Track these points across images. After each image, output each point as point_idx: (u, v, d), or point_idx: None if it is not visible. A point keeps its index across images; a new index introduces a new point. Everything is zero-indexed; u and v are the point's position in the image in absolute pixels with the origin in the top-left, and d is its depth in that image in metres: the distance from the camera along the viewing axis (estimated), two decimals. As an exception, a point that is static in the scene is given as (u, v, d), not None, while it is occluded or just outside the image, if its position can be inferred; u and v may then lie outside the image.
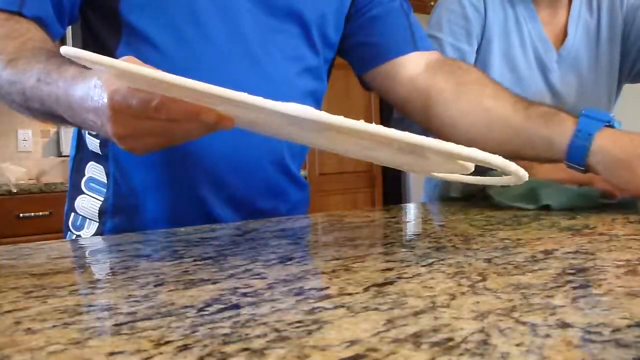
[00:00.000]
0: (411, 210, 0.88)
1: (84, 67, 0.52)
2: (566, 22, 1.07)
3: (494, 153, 0.43)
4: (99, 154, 0.77)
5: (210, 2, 0.72)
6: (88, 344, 0.26)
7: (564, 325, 0.26)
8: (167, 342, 0.25)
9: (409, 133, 0.39)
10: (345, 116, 0.38)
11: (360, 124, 0.39)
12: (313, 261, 0.44)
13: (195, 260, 0.46)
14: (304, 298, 0.33)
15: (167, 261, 0.46)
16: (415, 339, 0.25)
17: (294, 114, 0.39)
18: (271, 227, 0.66)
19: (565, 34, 1.07)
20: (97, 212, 0.76)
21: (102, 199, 0.76)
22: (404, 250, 0.49)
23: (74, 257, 0.50)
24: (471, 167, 0.53)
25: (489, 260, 0.42)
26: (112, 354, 0.24)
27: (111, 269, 0.44)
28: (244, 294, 0.34)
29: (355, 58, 0.91)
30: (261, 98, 0.40)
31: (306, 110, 0.39)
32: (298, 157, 0.85)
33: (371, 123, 0.39)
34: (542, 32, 1.05)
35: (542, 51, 1.05)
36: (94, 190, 0.77)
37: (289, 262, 0.44)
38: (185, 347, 0.25)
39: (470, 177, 0.57)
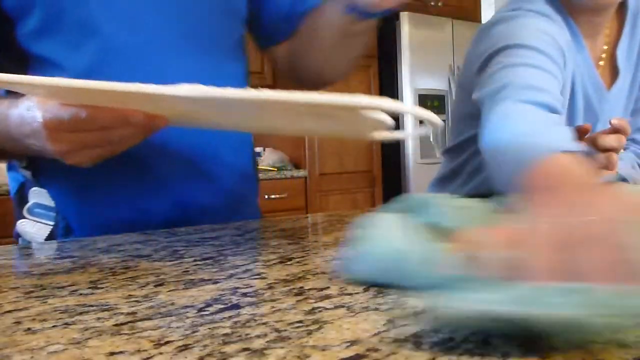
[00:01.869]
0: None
1: (14, 97, 0.55)
2: (609, 52, 0.91)
3: None
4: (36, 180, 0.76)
5: (105, 8, 0.69)
6: (88, 344, 0.26)
7: (564, 325, 0.26)
8: (167, 342, 0.25)
9: (299, 92, 0.41)
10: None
11: (246, 93, 0.42)
12: (313, 261, 0.44)
13: (195, 260, 0.46)
14: (304, 298, 0.33)
15: (167, 261, 0.46)
16: (415, 339, 0.25)
17: (185, 94, 0.42)
18: (271, 227, 0.66)
19: (610, 66, 0.91)
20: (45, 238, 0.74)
21: (52, 223, 0.74)
22: (404, 250, 0.49)
23: (74, 257, 0.50)
24: (389, 120, 0.52)
25: (489, 260, 0.42)
26: (112, 354, 0.24)
27: (111, 269, 0.44)
28: (244, 294, 0.34)
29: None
30: (154, 86, 0.43)
31: (197, 89, 0.42)
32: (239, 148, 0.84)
33: None
34: (592, 68, 0.87)
35: (592, 93, 0.88)
36: (41, 216, 0.75)
37: (289, 262, 0.44)
38: (185, 347, 0.25)
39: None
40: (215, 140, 0.76)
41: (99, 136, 0.53)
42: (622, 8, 0.93)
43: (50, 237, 0.73)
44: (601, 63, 0.92)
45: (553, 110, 0.69)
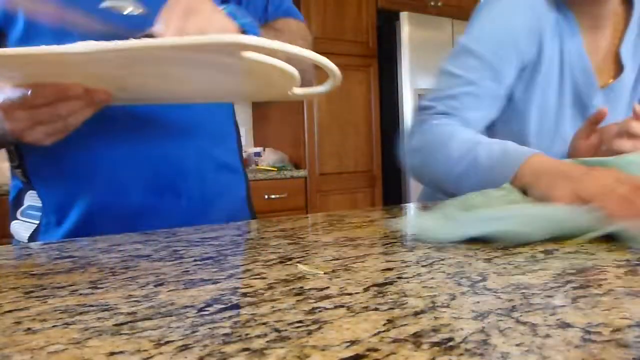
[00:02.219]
0: (411, 210, 0.88)
1: None
2: (612, 47, 0.91)
3: None
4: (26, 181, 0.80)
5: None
6: (88, 344, 0.26)
7: (564, 325, 0.26)
8: (167, 342, 0.25)
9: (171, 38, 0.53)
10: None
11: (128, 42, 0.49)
12: (313, 261, 0.44)
13: (195, 260, 0.46)
14: (304, 298, 0.33)
15: (167, 261, 0.46)
16: (416, 339, 0.25)
17: (78, 50, 0.49)
18: (271, 227, 0.66)
19: (613, 62, 0.91)
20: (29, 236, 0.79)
21: (37, 222, 0.79)
22: (404, 250, 0.49)
23: (74, 257, 0.50)
24: (294, 72, 0.59)
25: (489, 260, 0.42)
26: (112, 354, 0.24)
27: (111, 269, 0.44)
28: (244, 294, 0.34)
29: None
30: (55, 46, 0.49)
31: (87, 45, 0.49)
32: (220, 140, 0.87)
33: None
34: (586, 59, 0.89)
35: (582, 85, 0.89)
36: (30, 216, 0.81)
37: (289, 262, 0.44)
38: (185, 347, 0.25)
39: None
40: (197, 130, 0.80)
41: (47, 111, 0.59)
42: (630, 3, 0.92)
43: (33, 234, 0.79)
44: (604, 64, 0.92)
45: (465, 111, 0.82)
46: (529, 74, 0.89)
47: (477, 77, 0.84)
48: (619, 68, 0.92)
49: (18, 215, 0.82)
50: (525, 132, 0.91)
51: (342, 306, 0.31)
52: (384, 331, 0.26)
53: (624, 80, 0.91)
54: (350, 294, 0.33)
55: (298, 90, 0.65)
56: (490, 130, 0.93)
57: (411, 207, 0.90)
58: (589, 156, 0.79)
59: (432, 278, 0.37)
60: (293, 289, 0.35)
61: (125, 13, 0.66)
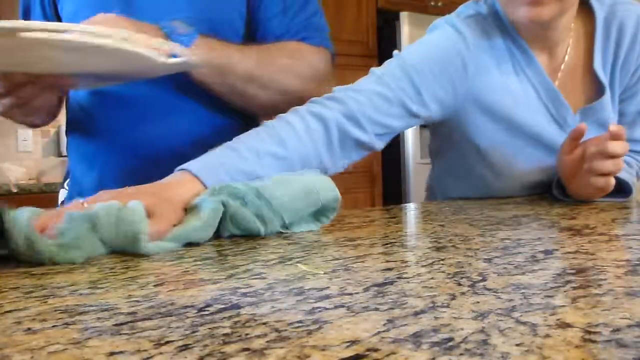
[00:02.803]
0: (411, 210, 0.88)
1: None
2: (585, 65, 0.91)
3: None
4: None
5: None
6: (88, 344, 0.26)
7: (564, 325, 0.26)
8: (167, 342, 0.25)
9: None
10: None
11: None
12: (313, 261, 0.44)
13: (195, 260, 0.46)
14: (304, 298, 0.33)
15: (167, 261, 0.46)
16: (415, 339, 0.25)
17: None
18: (271, 227, 0.66)
19: (589, 80, 0.91)
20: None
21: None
22: (404, 250, 0.49)
23: (74, 257, 0.50)
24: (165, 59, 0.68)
25: (489, 260, 0.42)
26: (112, 354, 0.24)
27: (111, 269, 0.44)
28: (244, 294, 0.34)
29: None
30: None
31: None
32: None
33: None
34: (552, 87, 0.88)
35: (551, 105, 0.90)
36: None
37: (289, 262, 0.44)
38: (185, 347, 0.25)
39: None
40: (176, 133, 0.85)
41: (13, 98, 0.71)
42: (589, 17, 0.91)
43: (64, 202, 0.98)
44: (569, 84, 0.91)
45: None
46: (477, 103, 0.88)
47: (394, 83, 0.82)
48: (596, 85, 0.91)
49: (65, 184, 0.99)
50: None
51: (342, 306, 0.31)
52: (384, 331, 0.26)
53: (605, 100, 0.90)
54: (350, 294, 0.33)
55: (170, 60, 0.70)
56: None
57: (411, 207, 0.90)
58: (575, 171, 0.80)
59: (432, 278, 0.37)
60: (293, 289, 0.35)
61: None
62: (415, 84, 0.83)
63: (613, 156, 0.74)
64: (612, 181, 0.77)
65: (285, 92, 0.86)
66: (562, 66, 0.91)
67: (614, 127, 0.73)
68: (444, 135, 1.01)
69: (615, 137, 0.73)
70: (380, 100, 0.81)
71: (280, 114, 0.76)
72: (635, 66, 0.91)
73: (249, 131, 0.72)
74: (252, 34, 0.89)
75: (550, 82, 0.89)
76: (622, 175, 0.82)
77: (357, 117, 0.78)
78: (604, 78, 0.90)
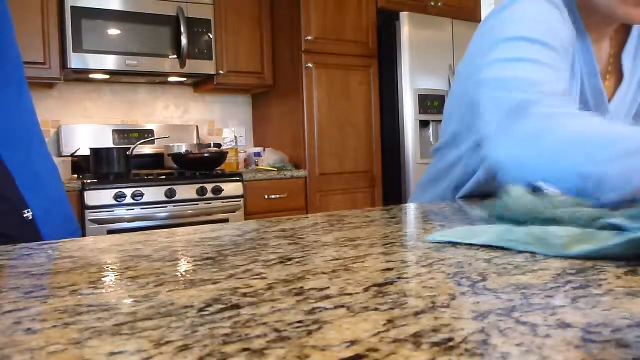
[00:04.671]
0: (411, 210, 0.88)
1: None
2: (613, 58, 0.90)
3: None
4: None
5: None
6: (88, 344, 0.26)
7: (564, 325, 0.26)
8: (167, 342, 0.25)
9: None
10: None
11: None
12: (313, 261, 0.44)
13: (195, 260, 0.46)
14: (304, 298, 0.33)
15: (167, 261, 0.46)
16: (415, 339, 0.25)
17: None
18: (271, 227, 0.66)
19: (614, 71, 0.90)
20: None
21: None
22: (403, 250, 0.49)
23: (74, 257, 0.50)
24: None
25: (488, 260, 0.42)
26: (112, 354, 0.24)
27: (111, 269, 0.44)
28: (244, 294, 0.34)
29: None
30: None
31: None
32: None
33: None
34: (597, 75, 0.86)
35: (592, 101, 0.87)
36: None
37: (289, 262, 0.44)
38: (185, 347, 0.25)
39: None
40: None
41: None
42: None
43: None
44: (607, 76, 0.91)
45: (564, 93, 0.71)
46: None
47: (555, 62, 0.76)
48: (619, 76, 0.91)
49: None
50: None
51: (342, 306, 0.31)
52: (384, 331, 0.26)
53: (622, 89, 0.91)
54: (350, 294, 0.33)
55: None
56: None
57: (411, 207, 0.90)
58: None
59: (432, 278, 0.37)
60: (293, 289, 0.35)
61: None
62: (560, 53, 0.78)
63: None
64: None
65: None
66: (603, 59, 0.91)
67: None
68: None
69: None
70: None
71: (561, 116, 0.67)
72: None
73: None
74: None
75: (598, 72, 0.88)
76: None
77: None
78: (627, 69, 0.90)
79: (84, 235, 0.89)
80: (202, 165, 2.76)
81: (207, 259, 0.47)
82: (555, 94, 0.71)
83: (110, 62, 2.71)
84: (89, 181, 2.41)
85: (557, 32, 0.79)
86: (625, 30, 0.92)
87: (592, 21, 0.86)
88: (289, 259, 0.45)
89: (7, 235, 0.66)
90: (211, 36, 2.94)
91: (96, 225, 2.36)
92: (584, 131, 0.62)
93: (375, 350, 0.23)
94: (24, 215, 0.87)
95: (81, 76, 2.90)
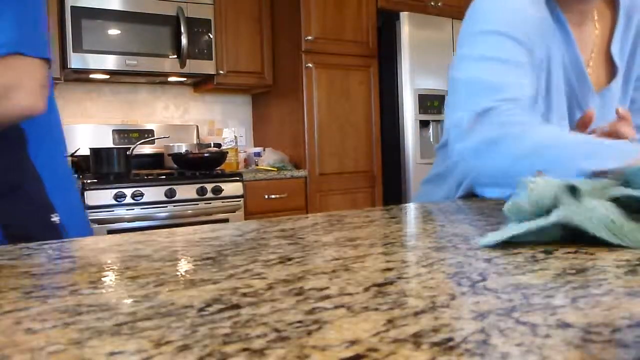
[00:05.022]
0: (411, 210, 0.88)
1: None
2: (603, 47, 0.90)
3: None
4: None
5: None
6: (88, 344, 0.26)
7: (564, 325, 0.26)
8: (167, 342, 0.25)
9: None
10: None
11: None
12: (313, 261, 0.44)
13: (195, 260, 0.46)
14: (304, 298, 0.33)
15: (167, 261, 0.46)
16: (415, 339, 0.25)
17: None
18: (271, 227, 0.66)
19: (605, 62, 0.90)
20: None
21: None
22: (404, 250, 0.49)
23: (74, 257, 0.50)
24: None
25: (489, 260, 0.42)
26: (112, 354, 0.24)
27: (111, 269, 0.44)
28: (244, 294, 0.34)
29: None
30: None
31: None
32: None
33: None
34: (581, 63, 0.87)
35: (577, 86, 0.88)
36: None
37: (289, 262, 0.44)
38: (185, 347, 0.25)
39: None
40: None
41: None
42: (613, 3, 0.91)
43: None
44: (591, 63, 0.91)
45: (529, 99, 0.77)
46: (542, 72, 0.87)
47: (521, 58, 0.80)
48: (610, 68, 0.91)
49: None
50: None
51: (342, 306, 0.31)
52: (384, 331, 0.26)
53: (617, 81, 0.91)
54: (350, 294, 0.33)
55: None
56: None
57: (411, 207, 0.90)
58: None
59: (432, 278, 0.37)
60: (293, 289, 0.35)
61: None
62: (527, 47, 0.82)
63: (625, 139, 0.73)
64: None
65: None
66: (588, 45, 0.91)
67: (622, 109, 0.73)
68: None
69: (623, 118, 0.73)
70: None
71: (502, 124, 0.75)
72: None
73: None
74: None
75: (581, 58, 0.88)
76: None
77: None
78: (619, 62, 0.90)
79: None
80: (202, 165, 2.76)
81: (207, 259, 0.47)
82: (517, 100, 0.77)
83: (110, 62, 2.71)
84: (89, 181, 2.41)
85: (531, 22, 0.83)
86: (612, 12, 0.92)
87: (567, 6, 0.87)
88: (289, 259, 0.45)
89: (32, 238, 0.65)
90: (211, 36, 2.94)
91: (96, 225, 2.36)
92: (535, 140, 0.70)
93: (375, 350, 0.23)
94: (52, 220, 0.87)
95: (81, 76, 2.90)
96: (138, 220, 2.46)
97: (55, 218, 0.87)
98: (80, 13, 2.63)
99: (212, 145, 3.04)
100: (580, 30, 0.90)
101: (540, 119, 0.77)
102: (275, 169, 2.93)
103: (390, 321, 0.27)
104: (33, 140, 0.88)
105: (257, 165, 3.12)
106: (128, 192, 2.45)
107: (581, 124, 0.80)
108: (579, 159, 0.63)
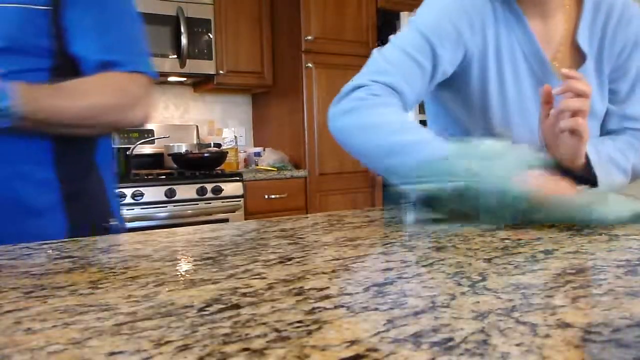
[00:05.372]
0: (411, 210, 0.87)
1: None
2: (568, 36, 0.92)
3: None
4: None
5: None
6: (88, 344, 0.26)
7: (564, 325, 0.26)
8: (167, 342, 0.25)
9: None
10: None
11: None
12: (313, 261, 0.44)
13: (195, 260, 0.46)
14: (304, 298, 0.33)
15: (167, 261, 0.46)
16: (415, 339, 0.25)
17: None
18: (271, 227, 0.66)
19: (571, 51, 0.92)
20: None
21: None
22: (404, 250, 0.49)
23: (74, 257, 0.50)
24: None
25: (489, 260, 0.42)
26: (112, 354, 0.24)
27: (111, 269, 0.44)
28: (244, 294, 0.34)
29: None
30: None
31: None
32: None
33: None
34: (539, 48, 0.91)
35: (540, 73, 0.91)
36: None
37: (289, 262, 0.44)
38: (185, 347, 0.25)
39: None
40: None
41: None
42: None
43: None
44: (559, 54, 0.92)
45: (397, 91, 0.86)
46: (478, 62, 0.91)
47: (421, 58, 0.88)
48: (579, 56, 0.92)
49: None
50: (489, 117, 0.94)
51: (342, 306, 0.31)
52: (384, 331, 0.26)
53: (588, 69, 0.91)
54: (350, 294, 0.33)
55: None
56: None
57: (411, 207, 0.90)
58: (552, 137, 0.82)
59: (432, 278, 0.37)
60: (293, 289, 0.35)
61: None
62: (435, 46, 0.88)
63: (575, 112, 0.75)
64: (583, 124, 0.76)
65: (98, 124, 0.89)
66: (555, 37, 0.92)
67: (564, 70, 0.75)
68: (442, 103, 1.03)
69: (571, 77, 0.74)
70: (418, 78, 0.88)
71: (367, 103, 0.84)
72: (621, 46, 0.93)
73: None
74: (63, 53, 0.87)
75: (540, 48, 0.91)
76: (592, 158, 0.83)
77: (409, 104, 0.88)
78: (586, 48, 0.91)
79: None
80: (202, 165, 2.76)
81: (207, 259, 0.47)
82: (388, 85, 0.85)
83: (110, 62, 2.71)
84: (89, 181, 2.40)
85: (463, 18, 0.89)
86: (578, 9, 0.93)
87: (523, 1, 0.90)
88: (289, 259, 0.45)
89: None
90: (211, 36, 2.95)
91: (96, 225, 2.35)
92: (375, 120, 0.80)
93: (375, 350, 0.23)
94: (111, 223, 0.90)
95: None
96: (138, 220, 2.46)
97: (113, 222, 0.90)
98: (80, 13, 2.62)
99: (212, 145, 3.04)
100: (546, 22, 0.92)
101: (400, 110, 0.83)
102: (275, 169, 2.93)
103: (390, 321, 0.27)
104: (100, 145, 0.94)
105: (257, 165, 3.12)
106: (128, 192, 2.45)
107: (544, 102, 0.81)
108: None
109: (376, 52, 0.94)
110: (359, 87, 0.87)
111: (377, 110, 0.81)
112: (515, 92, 0.91)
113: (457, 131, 1.00)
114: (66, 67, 0.86)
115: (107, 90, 0.87)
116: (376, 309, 0.30)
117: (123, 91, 0.89)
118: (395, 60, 0.90)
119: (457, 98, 0.96)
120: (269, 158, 3.06)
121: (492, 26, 0.91)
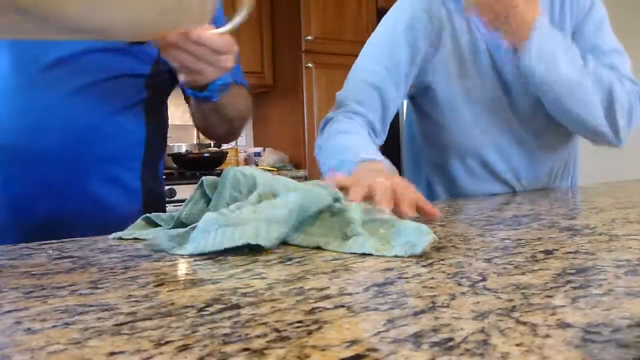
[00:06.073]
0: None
1: None
2: None
3: None
4: None
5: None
6: (88, 344, 0.26)
7: (564, 325, 0.26)
8: (167, 342, 0.25)
9: None
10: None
11: None
12: (313, 261, 0.44)
13: (195, 260, 0.46)
14: (304, 298, 0.33)
15: (167, 261, 0.46)
16: (415, 339, 0.25)
17: None
18: (271, 227, 0.66)
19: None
20: None
21: None
22: (404, 250, 0.49)
23: (74, 257, 0.50)
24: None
25: (489, 260, 0.42)
26: (112, 354, 0.24)
27: (111, 269, 0.44)
28: (244, 294, 0.34)
29: None
30: None
31: None
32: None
33: None
34: (477, 42, 1.03)
35: (497, 57, 1.03)
36: None
37: (288, 262, 0.44)
38: (185, 347, 0.25)
39: None
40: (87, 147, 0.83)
41: None
42: None
43: None
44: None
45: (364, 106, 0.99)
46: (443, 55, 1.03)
47: (382, 83, 0.99)
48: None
49: None
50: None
51: (342, 306, 0.31)
52: (384, 331, 0.26)
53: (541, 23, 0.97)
54: (350, 294, 0.33)
55: (225, 28, 0.75)
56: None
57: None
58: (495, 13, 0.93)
59: (432, 278, 0.37)
60: (293, 289, 0.35)
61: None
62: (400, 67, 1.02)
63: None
64: None
65: (238, 129, 0.98)
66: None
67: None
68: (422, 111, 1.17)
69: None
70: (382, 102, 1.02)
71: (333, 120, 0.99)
72: (585, 10, 1.03)
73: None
74: (164, 61, 0.86)
75: (478, 35, 1.03)
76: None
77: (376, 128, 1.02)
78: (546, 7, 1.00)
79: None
80: (203, 165, 2.76)
81: (207, 259, 0.47)
82: (354, 112, 0.98)
83: (110, 62, 2.71)
84: (89, 181, 2.40)
85: (420, 25, 1.04)
86: None
87: None
88: (289, 259, 0.45)
89: None
90: (211, 36, 2.94)
91: (96, 225, 2.36)
92: (337, 145, 0.92)
93: (375, 350, 0.23)
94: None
95: (81, 76, 2.89)
96: (138, 220, 2.46)
97: None
98: (80, 13, 2.62)
99: (212, 145, 3.04)
100: None
101: (362, 131, 0.96)
102: (275, 169, 2.93)
103: (390, 321, 0.27)
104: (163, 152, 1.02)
105: (257, 165, 3.12)
106: (128, 192, 2.45)
107: None
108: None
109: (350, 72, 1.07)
110: (328, 121, 0.99)
111: (338, 138, 0.94)
112: (480, 81, 1.04)
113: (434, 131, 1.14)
114: (163, 75, 0.91)
115: (250, 103, 0.98)
116: (376, 309, 0.30)
117: (248, 101, 0.98)
118: (356, 88, 1.03)
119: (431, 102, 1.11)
120: (269, 158, 3.06)
121: (447, 23, 1.03)
